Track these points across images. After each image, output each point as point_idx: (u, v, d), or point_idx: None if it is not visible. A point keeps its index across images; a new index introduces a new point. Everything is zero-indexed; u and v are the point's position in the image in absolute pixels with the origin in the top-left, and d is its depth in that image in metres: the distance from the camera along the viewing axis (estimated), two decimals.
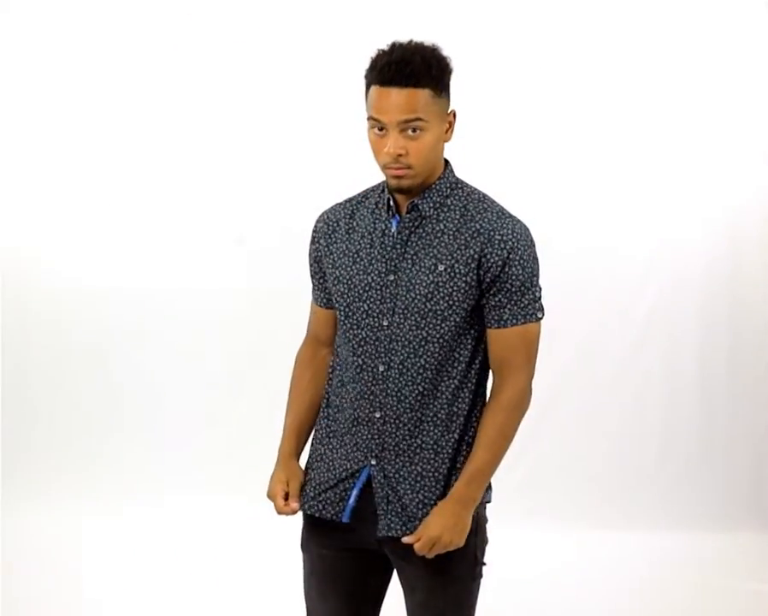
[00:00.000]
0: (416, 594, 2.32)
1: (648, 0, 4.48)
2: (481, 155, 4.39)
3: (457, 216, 2.25)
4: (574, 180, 4.54)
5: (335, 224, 2.33)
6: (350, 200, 2.36)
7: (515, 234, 2.27)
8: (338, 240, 2.31)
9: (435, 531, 2.20)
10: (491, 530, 4.31)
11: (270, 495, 2.33)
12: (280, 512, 2.31)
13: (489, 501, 2.39)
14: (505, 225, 2.28)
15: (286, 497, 2.31)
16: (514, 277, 2.23)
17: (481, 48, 4.36)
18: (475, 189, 2.33)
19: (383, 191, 2.29)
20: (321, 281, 2.38)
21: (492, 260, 2.23)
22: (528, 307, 2.25)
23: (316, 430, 2.38)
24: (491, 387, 2.32)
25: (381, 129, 2.18)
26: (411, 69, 2.13)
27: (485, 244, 2.23)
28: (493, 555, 3.97)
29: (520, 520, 4.34)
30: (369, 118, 2.19)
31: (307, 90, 4.44)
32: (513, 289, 2.24)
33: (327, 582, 2.36)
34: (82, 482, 4.36)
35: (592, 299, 4.54)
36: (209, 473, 4.40)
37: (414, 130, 2.16)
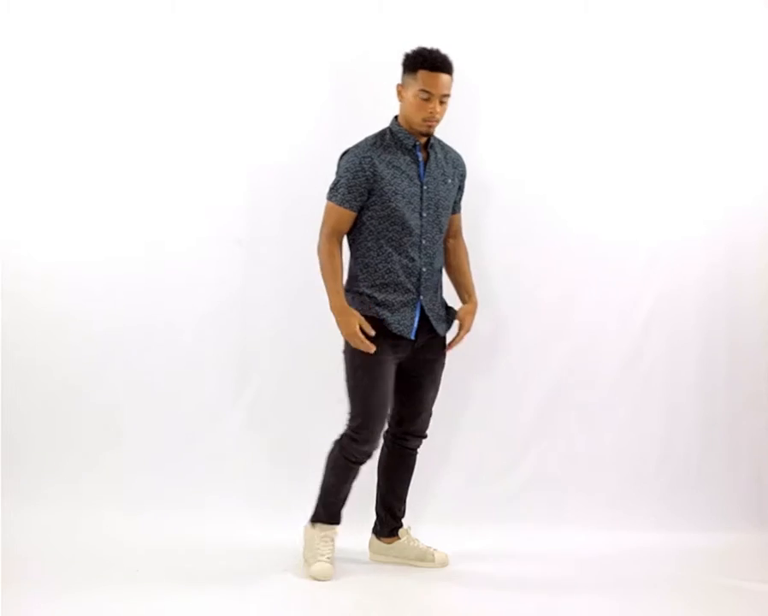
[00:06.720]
0: (434, 375, 3.86)
1: (652, 4, 4.49)
2: (488, 158, 4.42)
3: (440, 151, 3.80)
4: (575, 181, 4.54)
5: (376, 158, 3.65)
6: (368, 145, 3.68)
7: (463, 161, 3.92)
8: (384, 167, 3.65)
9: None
10: (491, 528, 4.33)
11: (352, 332, 3.63)
12: (365, 348, 3.62)
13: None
14: (460, 157, 3.90)
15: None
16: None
17: (498, 57, 4.44)
18: None
19: (391, 138, 3.70)
20: (363, 194, 3.65)
21: (462, 177, 3.89)
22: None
23: (373, 288, 3.69)
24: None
25: (426, 99, 3.60)
26: (449, 63, 3.63)
27: (459, 168, 3.87)
28: (493, 555, 4.02)
29: (520, 520, 4.35)
30: (421, 90, 3.59)
31: (305, 93, 4.44)
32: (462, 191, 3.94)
33: (383, 367, 3.71)
34: (80, 482, 4.37)
35: (592, 299, 4.55)
36: (209, 473, 4.41)
37: (443, 101, 3.64)
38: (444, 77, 3.62)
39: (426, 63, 3.60)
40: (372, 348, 3.64)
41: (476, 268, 4.05)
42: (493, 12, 4.45)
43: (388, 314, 3.68)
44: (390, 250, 3.68)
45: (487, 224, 4.44)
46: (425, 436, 3.93)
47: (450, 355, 3.91)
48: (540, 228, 4.51)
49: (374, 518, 3.99)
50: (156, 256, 4.44)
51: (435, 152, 3.77)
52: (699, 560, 4.06)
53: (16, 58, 4.35)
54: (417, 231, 3.71)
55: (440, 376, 3.90)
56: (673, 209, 4.55)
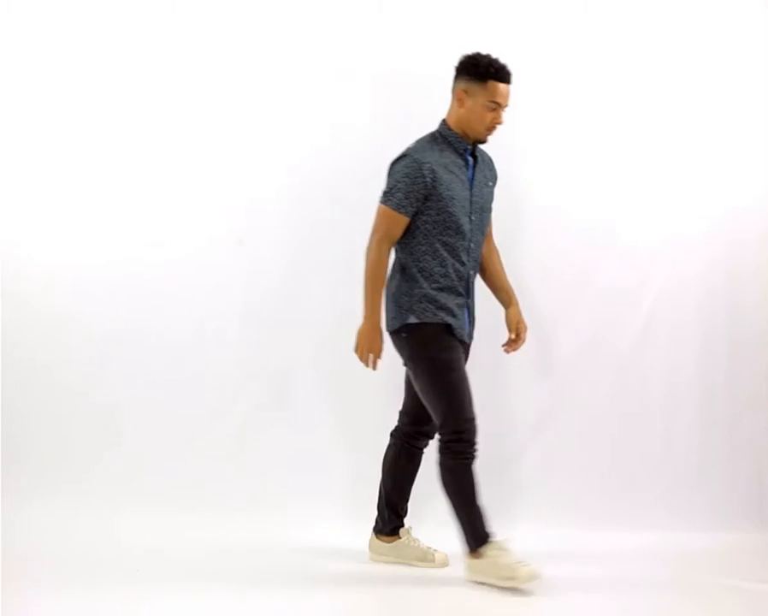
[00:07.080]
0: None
1: (652, 4, 4.49)
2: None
3: (479, 155, 3.77)
4: (575, 179, 4.55)
5: (434, 163, 3.61)
6: (425, 150, 3.63)
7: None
8: (443, 172, 3.63)
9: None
10: (491, 528, 4.34)
11: (374, 349, 3.61)
12: (371, 366, 3.64)
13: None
14: (492, 160, 3.87)
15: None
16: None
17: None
18: None
19: (442, 141, 3.67)
20: (419, 200, 3.61)
21: (496, 179, 3.86)
22: None
23: (432, 291, 3.64)
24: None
25: (494, 109, 3.61)
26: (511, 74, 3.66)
27: (494, 171, 3.86)
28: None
29: (521, 520, 4.34)
30: (491, 101, 3.60)
31: (306, 93, 4.44)
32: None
33: (461, 365, 3.69)
34: (80, 482, 4.37)
35: (592, 298, 4.55)
36: (209, 473, 4.41)
37: (504, 110, 3.66)
38: (509, 88, 3.65)
39: (498, 75, 3.61)
40: (374, 370, 3.66)
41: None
42: (495, 14, 4.46)
43: (452, 318, 3.68)
44: (445, 254, 3.66)
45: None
46: (433, 438, 3.93)
47: None
48: (539, 226, 4.51)
49: (374, 517, 3.99)
50: (156, 257, 4.44)
51: (477, 156, 3.77)
52: (699, 560, 4.06)
53: (17, 59, 4.36)
54: (468, 235, 3.70)
55: None
56: (674, 206, 4.56)
